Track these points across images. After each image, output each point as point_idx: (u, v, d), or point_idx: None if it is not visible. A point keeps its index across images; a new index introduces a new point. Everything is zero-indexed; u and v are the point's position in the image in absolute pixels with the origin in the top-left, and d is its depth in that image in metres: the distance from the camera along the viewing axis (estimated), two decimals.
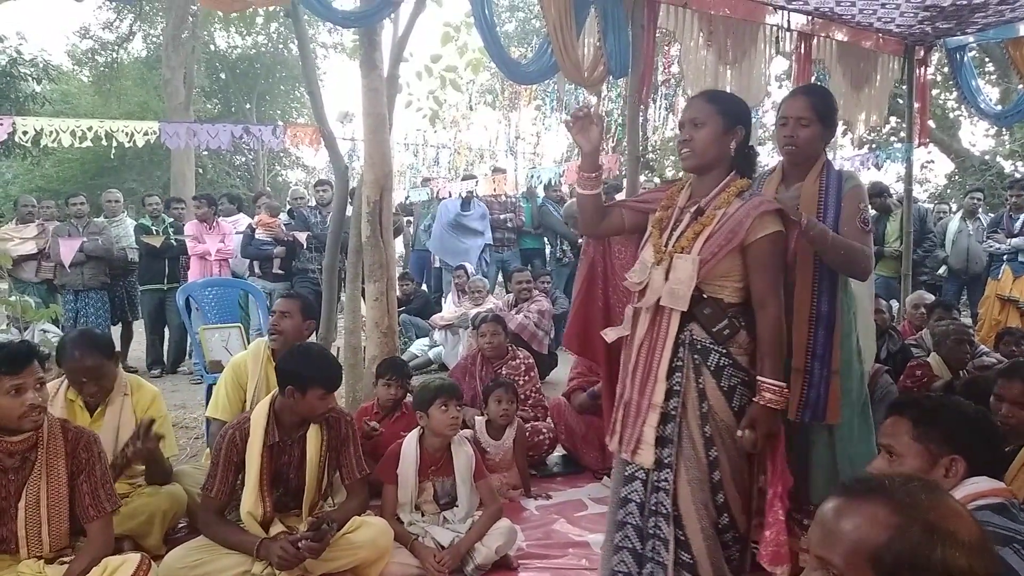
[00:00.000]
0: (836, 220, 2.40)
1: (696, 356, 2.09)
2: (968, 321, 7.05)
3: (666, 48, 6.22)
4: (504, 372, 4.22)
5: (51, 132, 5.58)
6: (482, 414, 3.76)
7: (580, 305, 2.60)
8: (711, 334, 2.08)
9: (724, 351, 2.08)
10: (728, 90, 4.90)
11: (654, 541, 2.11)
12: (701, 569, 2.06)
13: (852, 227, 2.38)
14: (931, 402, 1.88)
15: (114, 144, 5.78)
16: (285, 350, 3.09)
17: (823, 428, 2.50)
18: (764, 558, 2.05)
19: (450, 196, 7.99)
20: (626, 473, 2.20)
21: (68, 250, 6.42)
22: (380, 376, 3.71)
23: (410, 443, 3.08)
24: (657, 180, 12.88)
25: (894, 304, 5.56)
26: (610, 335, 2.30)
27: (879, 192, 7.21)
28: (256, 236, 6.86)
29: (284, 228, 6.94)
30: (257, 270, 6.92)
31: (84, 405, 2.94)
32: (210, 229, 6.98)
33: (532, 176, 8.24)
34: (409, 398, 3.80)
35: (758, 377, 2.05)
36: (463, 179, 8.35)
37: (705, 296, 2.08)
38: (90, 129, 5.70)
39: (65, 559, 2.32)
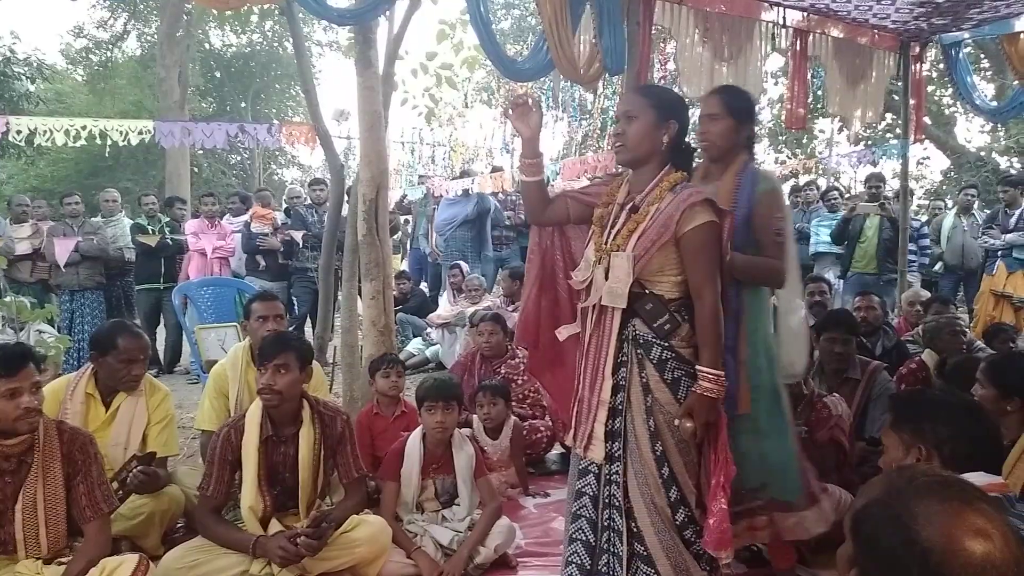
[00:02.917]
0: (747, 220, 2.41)
1: (639, 351, 2.10)
2: (965, 317, 7.07)
3: (662, 45, 6.23)
4: (503, 371, 4.23)
5: (45, 131, 5.55)
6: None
7: (534, 299, 2.52)
8: (652, 329, 2.09)
9: (666, 344, 2.09)
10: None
11: (609, 533, 2.14)
12: (657, 561, 2.07)
13: (766, 237, 2.42)
14: (910, 395, 1.97)
15: (108, 143, 5.75)
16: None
17: (745, 419, 2.48)
18: (708, 544, 2.05)
19: (447, 193, 7.98)
20: (580, 467, 2.23)
21: (63, 250, 6.39)
22: (376, 370, 3.68)
23: (414, 441, 3.09)
24: None
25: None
26: (562, 333, 2.32)
27: (877, 180, 7.21)
28: (253, 229, 6.85)
29: (278, 221, 6.95)
30: (262, 263, 6.90)
31: (100, 400, 2.99)
32: (211, 227, 6.97)
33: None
34: (407, 395, 3.81)
35: (697, 367, 2.06)
36: (459, 176, 8.34)
37: (647, 291, 2.09)
38: (84, 128, 5.66)
39: (63, 560, 2.31)
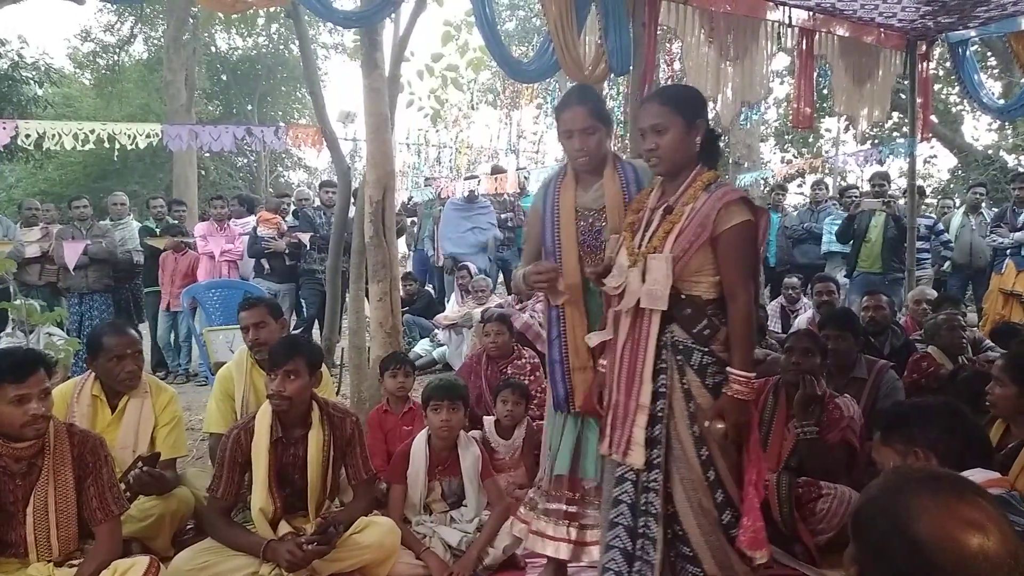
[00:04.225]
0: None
1: (679, 357, 2.09)
2: (973, 316, 7.03)
3: (668, 45, 6.23)
4: (509, 371, 4.22)
5: (53, 135, 5.59)
6: (489, 413, 3.77)
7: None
8: (692, 335, 2.08)
9: (706, 349, 2.08)
10: (730, 87, 4.92)
11: (643, 540, 2.13)
12: (703, 560, 2.07)
13: None
14: (891, 409, 2.15)
15: (116, 147, 5.79)
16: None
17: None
18: (743, 543, 2.05)
19: (454, 194, 8.00)
20: (617, 474, 2.21)
21: (72, 253, 6.43)
22: (385, 369, 3.73)
23: (419, 443, 3.10)
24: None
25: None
26: (593, 339, 2.30)
27: (881, 178, 7.17)
28: (259, 233, 6.87)
29: (285, 224, 6.96)
30: (267, 267, 6.91)
31: (106, 401, 3.01)
32: (220, 230, 7.00)
33: (522, 176, 8.25)
34: (415, 395, 3.82)
35: (728, 368, 2.04)
36: (466, 179, 8.36)
37: (683, 296, 2.08)
38: (92, 132, 5.70)
39: (74, 562, 2.32)
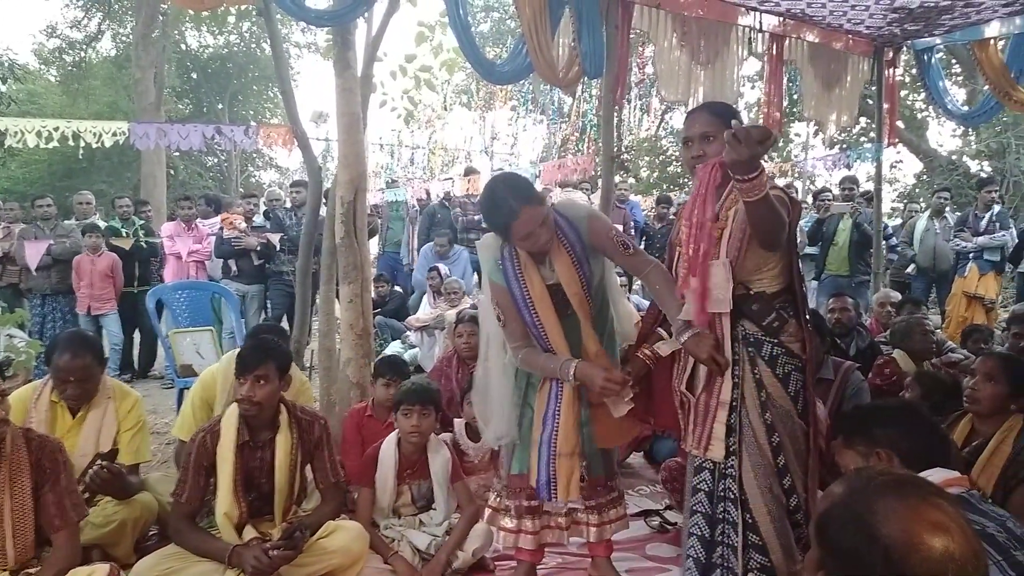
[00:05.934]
0: (590, 261, 2.41)
1: (750, 349, 2.17)
2: (936, 319, 7.17)
3: (640, 49, 6.28)
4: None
5: (16, 132, 5.47)
6: (460, 415, 3.75)
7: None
8: (762, 328, 2.16)
9: (776, 341, 2.16)
10: (701, 91, 4.97)
11: (723, 525, 2.20)
12: (770, 550, 2.13)
13: (615, 251, 2.42)
14: (853, 411, 2.26)
15: (82, 145, 5.67)
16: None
17: None
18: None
19: (428, 194, 7.94)
20: (696, 464, 2.29)
21: (34, 253, 6.29)
22: (380, 375, 3.58)
23: (388, 447, 3.06)
24: (632, 180, 12.97)
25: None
26: (664, 349, 2.35)
27: (850, 182, 7.31)
28: (225, 235, 6.76)
29: (241, 223, 6.81)
30: (235, 268, 6.79)
31: (67, 407, 2.91)
32: (188, 230, 6.88)
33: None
34: None
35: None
36: (442, 180, 8.34)
37: (752, 292, 2.16)
38: (56, 129, 5.59)
39: (31, 570, 2.26)
